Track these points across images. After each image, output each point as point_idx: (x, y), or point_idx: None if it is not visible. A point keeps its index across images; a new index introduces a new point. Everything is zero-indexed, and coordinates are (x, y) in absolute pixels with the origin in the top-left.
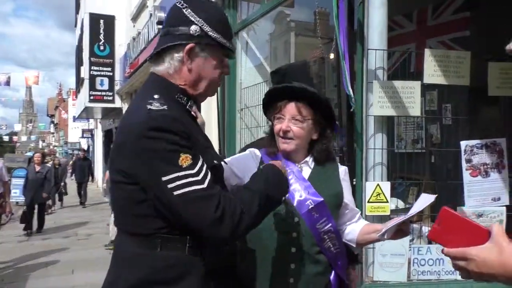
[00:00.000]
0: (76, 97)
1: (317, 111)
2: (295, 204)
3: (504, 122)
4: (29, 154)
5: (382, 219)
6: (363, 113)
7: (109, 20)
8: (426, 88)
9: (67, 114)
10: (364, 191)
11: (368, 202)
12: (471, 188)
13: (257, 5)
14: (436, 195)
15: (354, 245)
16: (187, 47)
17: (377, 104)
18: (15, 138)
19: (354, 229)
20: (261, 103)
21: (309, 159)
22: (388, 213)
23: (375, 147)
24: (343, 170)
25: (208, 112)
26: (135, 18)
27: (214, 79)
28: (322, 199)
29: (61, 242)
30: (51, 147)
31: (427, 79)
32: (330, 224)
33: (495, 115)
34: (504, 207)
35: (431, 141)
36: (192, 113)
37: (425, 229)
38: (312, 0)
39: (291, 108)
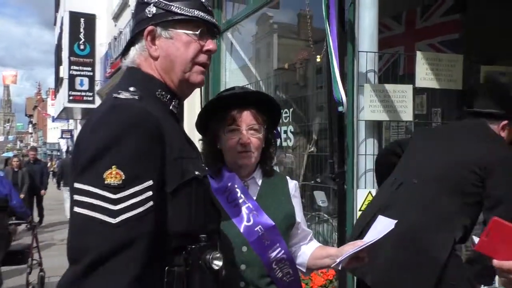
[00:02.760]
0: (55, 97)
1: (269, 117)
2: (242, 230)
3: None
4: (6, 154)
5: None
6: (354, 118)
7: (90, 19)
8: (416, 92)
9: (46, 114)
10: (355, 199)
11: (360, 210)
12: None
13: (242, 5)
14: (396, 221)
15: (304, 270)
16: (145, 31)
17: (368, 108)
18: None
19: (305, 252)
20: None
21: (256, 174)
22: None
23: (366, 153)
24: (293, 185)
25: (191, 114)
26: (116, 17)
27: (188, 58)
28: (273, 223)
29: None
30: (29, 147)
31: (419, 83)
32: (283, 251)
33: None
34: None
35: None
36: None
37: None
38: (296, 2)
39: (247, 117)
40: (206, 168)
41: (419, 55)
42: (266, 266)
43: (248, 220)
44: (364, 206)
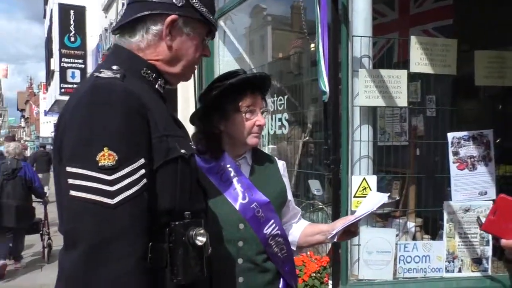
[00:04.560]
0: (47, 90)
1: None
2: (237, 208)
3: (488, 113)
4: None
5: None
6: (348, 104)
7: (80, 11)
8: (409, 79)
9: (39, 108)
10: (349, 186)
11: (354, 197)
12: (458, 182)
13: None
14: (389, 194)
15: (294, 248)
16: (169, 18)
17: (363, 94)
18: None
19: (295, 230)
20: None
21: (247, 153)
22: (377, 209)
23: (361, 139)
24: (281, 164)
25: (186, 108)
26: (107, 9)
27: (194, 60)
28: (268, 199)
29: (29, 237)
30: (22, 141)
31: (414, 68)
32: (277, 227)
33: (479, 105)
34: (491, 202)
35: (415, 134)
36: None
37: (410, 225)
38: None
39: (259, 100)
40: (194, 147)
41: (413, 39)
42: (262, 242)
43: (244, 198)
44: (358, 192)
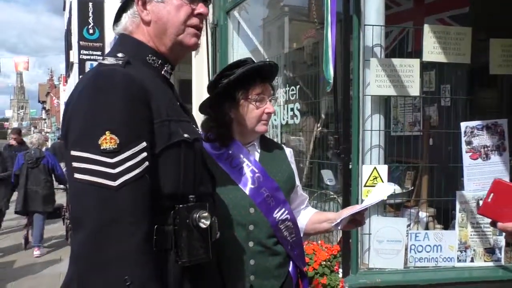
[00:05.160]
0: (67, 82)
1: None
2: (248, 193)
3: (504, 102)
4: None
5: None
6: (359, 93)
7: (98, 3)
8: (424, 68)
9: (59, 100)
10: (360, 175)
11: (365, 186)
12: (471, 172)
13: None
14: (395, 184)
15: (301, 235)
16: None
17: (375, 83)
18: (6, 124)
19: (303, 217)
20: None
21: (256, 140)
22: (385, 198)
23: (372, 129)
24: (289, 151)
25: (199, 100)
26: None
27: (179, 21)
28: (277, 184)
29: (48, 227)
30: (43, 133)
31: (427, 57)
32: (286, 212)
33: (495, 95)
34: None
35: (429, 124)
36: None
37: (422, 215)
38: None
39: (268, 88)
40: (200, 132)
41: (426, 28)
42: (272, 226)
43: (253, 183)
44: (369, 182)
